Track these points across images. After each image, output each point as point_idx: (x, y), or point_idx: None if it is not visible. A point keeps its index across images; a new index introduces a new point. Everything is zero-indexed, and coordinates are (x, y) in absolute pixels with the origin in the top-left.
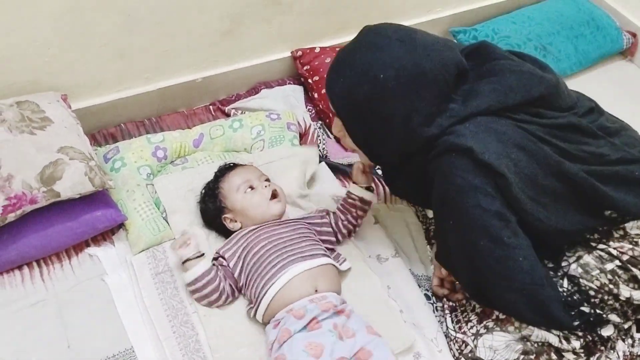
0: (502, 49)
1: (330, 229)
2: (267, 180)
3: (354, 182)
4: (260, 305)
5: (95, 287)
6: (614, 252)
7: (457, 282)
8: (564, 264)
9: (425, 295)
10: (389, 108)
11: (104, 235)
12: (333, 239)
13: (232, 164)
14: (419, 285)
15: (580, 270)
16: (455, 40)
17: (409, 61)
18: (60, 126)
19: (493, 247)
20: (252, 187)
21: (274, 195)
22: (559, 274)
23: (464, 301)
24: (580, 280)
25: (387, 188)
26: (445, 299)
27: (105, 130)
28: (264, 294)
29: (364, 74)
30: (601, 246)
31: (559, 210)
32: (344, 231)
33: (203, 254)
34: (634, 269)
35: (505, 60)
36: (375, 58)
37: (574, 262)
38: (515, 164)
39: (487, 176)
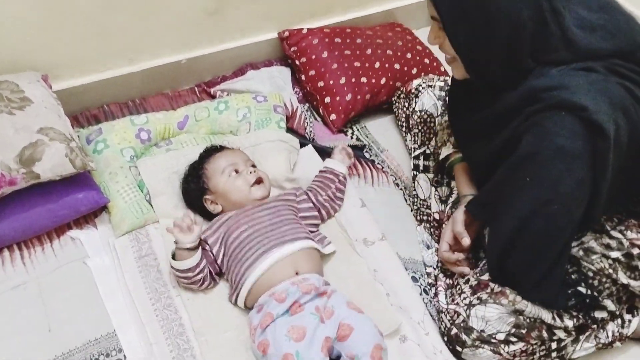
0: None
1: (311, 205)
2: (254, 166)
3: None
4: (240, 293)
5: (78, 271)
6: (625, 243)
7: (465, 253)
8: None
9: (412, 277)
10: (496, 2)
11: (87, 218)
12: (316, 213)
13: (219, 146)
14: (405, 268)
15: (581, 252)
16: None
17: None
18: (40, 106)
19: (561, 214)
20: (237, 171)
21: (258, 181)
22: None
23: (460, 278)
24: (580, 261)
25: (374, 171)
26: (441, 275)
27: (87, 111)
28: (244, 282)
29: None
30: (615, 233)
31: (614, 186)
32: (327, 205)
33: (198, 245)
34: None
35: None
36: None
37: (577, 245)
38: (616, 129)
39: (591, 139)
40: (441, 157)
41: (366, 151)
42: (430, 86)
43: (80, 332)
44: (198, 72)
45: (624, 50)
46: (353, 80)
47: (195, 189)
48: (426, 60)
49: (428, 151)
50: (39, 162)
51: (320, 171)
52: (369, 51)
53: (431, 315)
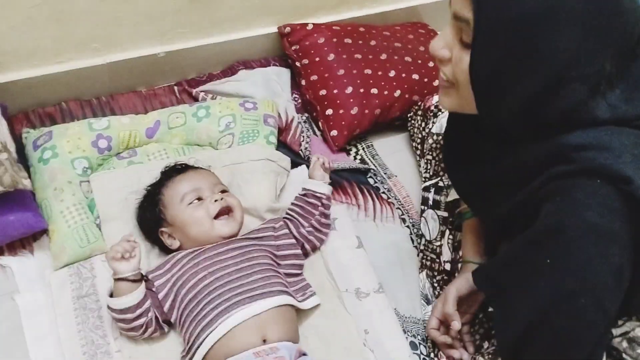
0: None
1: (292, 240)
2: (224, 191)
3: (310, 178)
4: (195, 356)
5: (3, 308)
6: None
7: (458, 331)
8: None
9: (412, 343)
10: (555, 37)
11: (23, 241)
12: (299, 251)
13: (182, 165)
14: (404, 330)
15: (625, 344)
16: None
17: None
18: None
19: (590, 308)
20: (200, 199)
21: (225, 212)
22: None
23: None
24: (624, 355)
25: (377, 202)
26: (441, 350)
27: (41, 109)
28: (200, 344)
29: None
30: None
31: None
32: (312, 239)
33: (142, 277)
34: None
35: None
36: None
37: (619, 335)
38: None
39: (633, 219)
40: (449, 198)
41: (370, 176)
42: None
43: None
44: (179, 69)
45: None
46: (361, 90)
47: (150, 218)
48: None
49: (441, 184)
50: None
51: (299, 194)
52: (383, 56)
53: None
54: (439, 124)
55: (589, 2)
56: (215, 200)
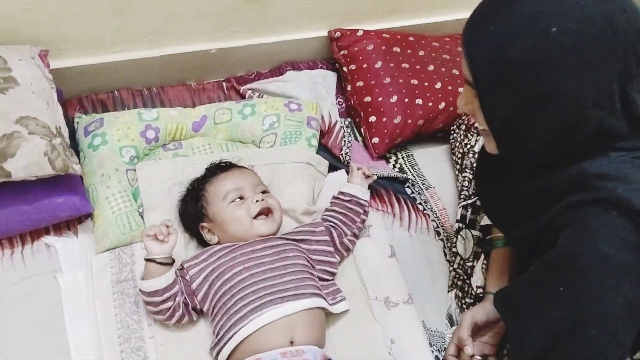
0: None
1: (330, 248)
2: (265, 192)
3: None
4: (224, 349)
5: (45, 286)
6: None
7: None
8: None
9: (436, 358)
10: (555, 78)
11: (68, 223)
12: (335, 259)
13: (227, 163)
14: (430, 343)
15: None
16: None
17: (599, 13)
18: (26, 90)
19: (602, 339)
20: (242, 198)
21: (264, 213)
22: None
23: None
24: None
25: (413, 213)
26: None
27: (94, 95)
28: (230, 337)
29: (529, 24)
30: None
31: None
32: (350, 246)
33: (172, 262)
34: None
35: None
36: (548, 3)
37: None
38: None
39: None
40: (482, 222)
41: (408, 186)
42: None
43: None
44: (229, 65)
45: None
46: (406, 100)
47: (192, 213)
48: None
49: (479, 203)
50: (11, 159)
51: (341, 199)
52: (431, 67)
53: None
54: (482, 142)
55: (579, 34)
56: (257, 201)
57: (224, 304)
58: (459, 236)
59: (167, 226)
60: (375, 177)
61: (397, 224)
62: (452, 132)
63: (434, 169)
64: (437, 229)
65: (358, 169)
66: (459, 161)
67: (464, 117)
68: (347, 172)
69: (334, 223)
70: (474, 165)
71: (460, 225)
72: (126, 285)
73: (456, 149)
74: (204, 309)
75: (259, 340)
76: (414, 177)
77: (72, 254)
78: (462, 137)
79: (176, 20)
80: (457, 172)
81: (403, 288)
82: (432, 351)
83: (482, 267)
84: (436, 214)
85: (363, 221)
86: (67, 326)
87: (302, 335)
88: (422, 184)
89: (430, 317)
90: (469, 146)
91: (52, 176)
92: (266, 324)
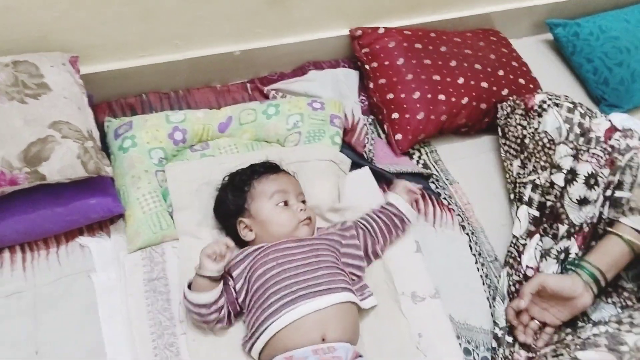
0: None
1: (360, 252)
2: (304, 202)
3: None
4: (257, 343)
5: (80, 285)
6: None
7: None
8: None
9: (465, 350)
10: None
11: (101, 224)
12: (364, 264)
13: (277, 165)
14: (457, 336)
15: None
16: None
17: None
18: (58, 96)
19: None
20: (286, 203)
21: (308, 220)
22: None
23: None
24: None
25: (438, 208)
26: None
27: (123, 99)
28: (263, 331)
29: None
30: None
31: None
32: (380, 253)
33: (222, 277)
34: None
35: None
36: None
37: None
38: None
39: None
40: (607, 216)
41: (432, 182)
42: (557, 104)
43: (69, 358)
44: (253, 67)
45: None
46: (429, 96)
47: (233, 204)
48: (521, 81)
49: (538, 182)
50: (46, 162)
51: (389, 211)
52: (453, 63)
53: None
54: (544, 122)
55: None
56: (301, 210)
57: (257, 299)
58: (516, 214)
59: (227, 246)
60: (418, 196)
61: (422, 219)
62: (502, 117)
63: (458, 164)
64: (462, 224)
65: (409, 189)
66: (515, 145)
67: (518, 102)
68: (371, 170)
69: (373, 230)
70: (545, 145)
71: (518, 204)
72: (158, 284)
73: (510, 133)
74: (243, 307)
75: (291, 335)
76: (438, 172)
77: (105, 254)
78: (518, 120)
79: (200, 23)
80: (510, 158)
81: (429, 283)
82: (460, 343)
83: (535, 248)
84: (461, 208)
85: (398, 236)
86: (101, 324)
87: (334, 332)
88: (446, 179)
89: (458, 311)
90: (531, 128)
91: (84, 178)
92: (298, 318)
